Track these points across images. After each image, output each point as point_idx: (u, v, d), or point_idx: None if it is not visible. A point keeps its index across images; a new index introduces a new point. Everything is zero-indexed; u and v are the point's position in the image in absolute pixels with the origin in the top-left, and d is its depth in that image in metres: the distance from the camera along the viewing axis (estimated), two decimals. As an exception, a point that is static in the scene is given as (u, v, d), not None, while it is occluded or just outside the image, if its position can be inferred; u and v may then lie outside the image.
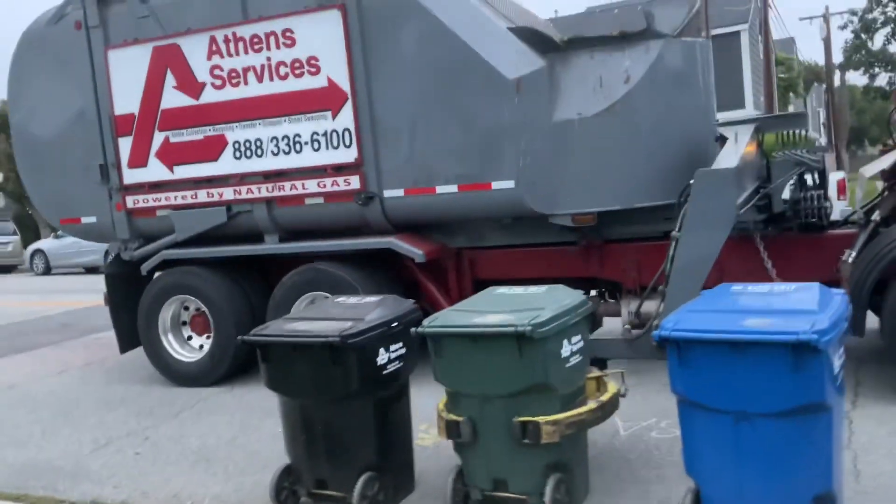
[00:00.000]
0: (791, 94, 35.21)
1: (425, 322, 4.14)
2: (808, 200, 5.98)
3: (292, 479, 4.44)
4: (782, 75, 33.46)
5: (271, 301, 7.02)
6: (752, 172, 6.19)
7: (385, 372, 4.31)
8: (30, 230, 30.47)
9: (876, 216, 5.82)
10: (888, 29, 21.52)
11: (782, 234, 6.13)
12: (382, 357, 4.29)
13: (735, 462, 3.48)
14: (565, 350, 3.95)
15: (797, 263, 6.08)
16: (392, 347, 4.37)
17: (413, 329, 4.20)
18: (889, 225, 5.71)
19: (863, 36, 20.92)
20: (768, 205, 6.28)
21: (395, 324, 4.39)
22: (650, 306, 5.79)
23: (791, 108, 38.66)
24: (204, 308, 7.37)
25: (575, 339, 4.05)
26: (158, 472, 5.37)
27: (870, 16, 20.85)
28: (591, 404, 4.15)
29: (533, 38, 6.42)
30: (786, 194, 6.33)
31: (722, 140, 6.57)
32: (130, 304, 7.75)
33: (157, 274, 7.80)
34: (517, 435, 3.84)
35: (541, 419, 3.82)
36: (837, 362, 3.48)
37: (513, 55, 6.27)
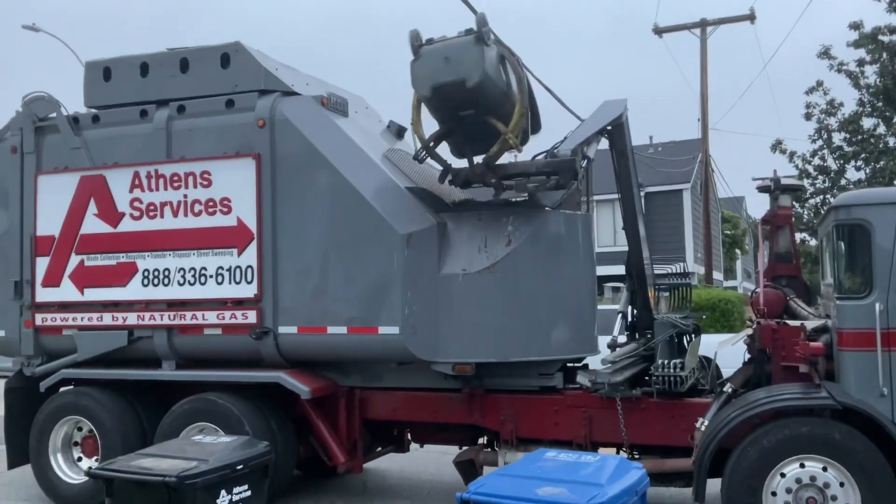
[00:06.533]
0: (737, 251, 36.75)
1: None
2: (665, 368, 6.36)
3: None
4: (728, 232, 35.07)
5: (159, 428, 7.13)
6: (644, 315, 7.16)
7: (225, 514, 4.48)
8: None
9: (728, 387, 6.21)
10: (818, 200, 22.86)
11: (643, 398, 6.48)
12: (223, 499, 4.48)
13: None
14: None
15: (655, 427, 6.40)
16: (235, 490, 4.56)
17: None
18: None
19: (795, 204, 22.16)
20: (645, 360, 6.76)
21: (241, 466, 4.60)
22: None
23: (739, 263, 40.16)
24: (94, 430, 7.45)
25: None
26: None
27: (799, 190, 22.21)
28: None
29: (428, 197, 6.97)
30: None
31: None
32: (27, 420, 7.80)
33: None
34: None
35: None
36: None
37: (406, 212, 6.77)
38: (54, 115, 7.89)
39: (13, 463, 7.93)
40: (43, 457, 7.62)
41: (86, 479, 7.41)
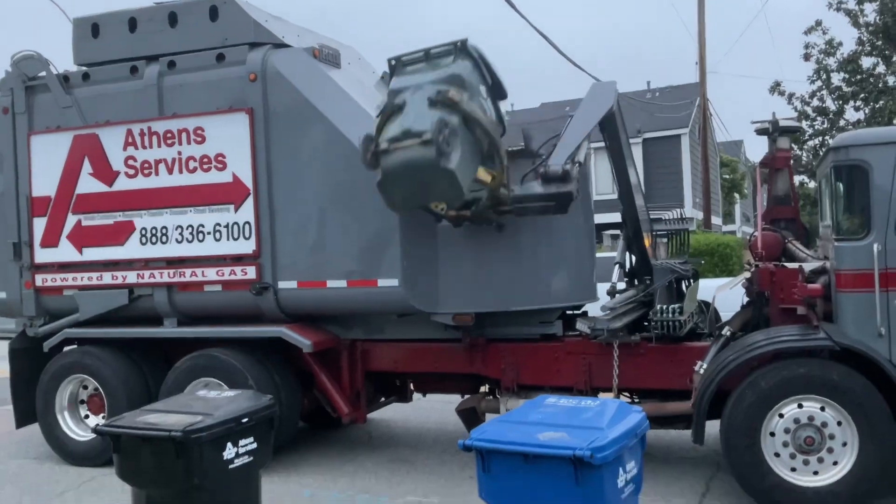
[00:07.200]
0: (736, 195, 36.67)
1: None
2: (663, 313, 6.39)
3: (137, 567, 4.58)
4: (726, 176, 34.94)
5: (164, 385, 7.20)
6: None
7: (232, 466, 4.53)
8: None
9: (726, 330, 6.25)
10: (817, 141, 22.74)
11: (642, 343, 6.53)
12: (229, 452, 4.52)
13: (530, 566, 3.75)
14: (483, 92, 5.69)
15: (654, 371, 6.46)
16: (241, 442, 4.60)
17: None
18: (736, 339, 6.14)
19: (793, 146, 22.06)
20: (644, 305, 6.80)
21: (246, 419, 4.63)
22: None
23: (738, 207, 40.11)
24: (100, 388, 7.53)
25: None
26: (22, 553, 5.47)
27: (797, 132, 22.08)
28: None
29: (424, 149, 6.89)
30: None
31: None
32: (32, 380, 7.87)
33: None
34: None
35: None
36: (624, 475, 3.81)
37: (403, 164, 6.70)
38: (44, 73, 7.79)
39: (21, 422, 8.03)
40: (50, 416, 7.71)
41: (94, 436, 7.52)
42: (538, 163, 6.09)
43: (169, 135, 7.27)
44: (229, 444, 4.51)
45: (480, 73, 5.74)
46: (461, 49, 5.62)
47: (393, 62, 5.87)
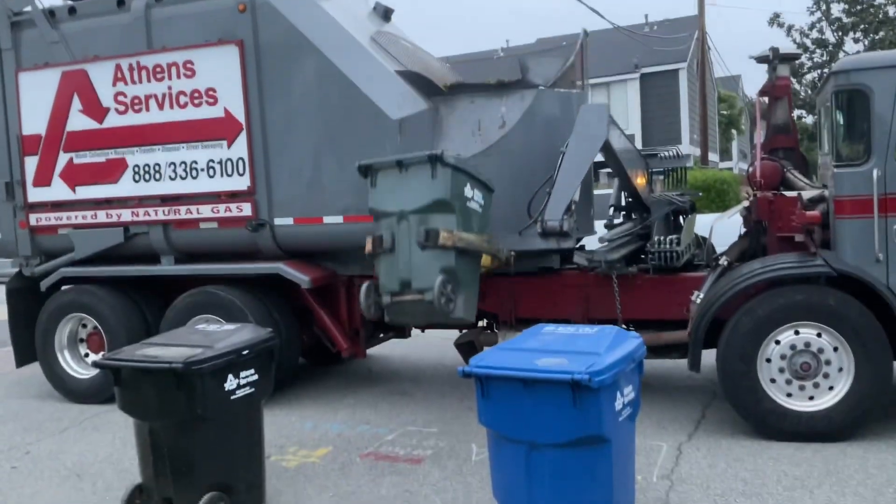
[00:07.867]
0: (733, 131, 36.40)
1: None
2: (661, 244, 6.38)
3: (142, 498, 4.66)
4: (724, 112, 34.61)
5: (163, 322, 7.22)
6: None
7: (233, 398, 4.57)
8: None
9: (723, 260, 6.25)
10: (816, 74, 22.49)
11: (639, 275, 6.54)
12: (231, 383, 4.55)
13: (527, 487, 3.83)
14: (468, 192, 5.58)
15: (651, 302, 6.48)
16: (242, 374, 4.63)
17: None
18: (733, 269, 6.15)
19: (792, 79, 21.83)
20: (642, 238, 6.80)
21: (247, 351, 4.65)
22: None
23: (735, 144, 39.90)
24: (99, 326, 7.56)
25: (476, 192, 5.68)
26: (30, 486, 5.55)
27: (797, 61, 21.81)
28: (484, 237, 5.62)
29: (419, 81, 6.79)
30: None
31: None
32: (30, 319, 7.89)
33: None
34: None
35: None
36: (621, 399, 3.84)
37: (398, 97, 6.62)
38: (29, 8, 7.60)
39: (21, 361, 8.08)
40: (50, 355, 7.76)
41: (94, 373, 7.59)
42: (535, 217, 5.84)
43: (158, 69, 7.13)
44: (230, 376, 4.54)
45: (462, 172, 5.56)
46: (436, 160, 5.43)
47: (364, 168, 5.74)
